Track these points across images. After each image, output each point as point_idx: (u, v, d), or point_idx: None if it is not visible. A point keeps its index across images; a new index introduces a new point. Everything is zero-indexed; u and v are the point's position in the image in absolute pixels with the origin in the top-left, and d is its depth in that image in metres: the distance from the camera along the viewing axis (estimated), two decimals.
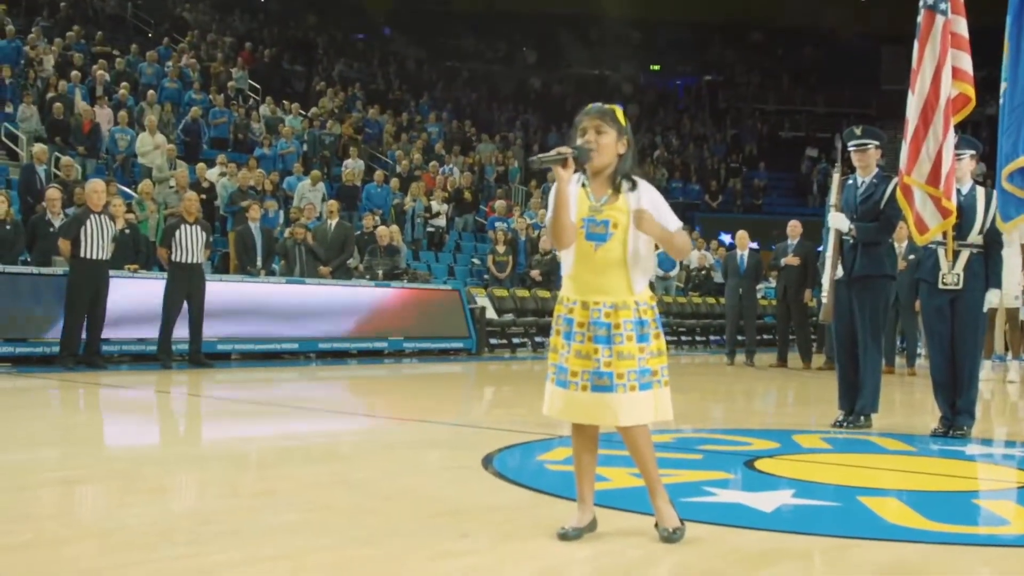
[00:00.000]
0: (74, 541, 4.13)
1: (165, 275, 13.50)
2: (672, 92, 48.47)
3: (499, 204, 25.06)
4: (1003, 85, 8.10)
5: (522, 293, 20.35)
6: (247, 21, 36.10)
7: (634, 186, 4.26)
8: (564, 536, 4.20)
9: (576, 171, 4.22)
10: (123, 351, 13.78)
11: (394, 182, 24.22)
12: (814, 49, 47.52)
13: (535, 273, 20.90)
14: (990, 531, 4.90)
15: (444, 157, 28.59)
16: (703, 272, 24.80)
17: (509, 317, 19.65)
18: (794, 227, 16.64)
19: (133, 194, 17.84)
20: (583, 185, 4.31)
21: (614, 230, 4.22)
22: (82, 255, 12.34)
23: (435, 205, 24.03)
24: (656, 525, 4.28)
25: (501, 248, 21.03)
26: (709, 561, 4.01)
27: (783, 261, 16.48)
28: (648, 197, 4.25)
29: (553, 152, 4.16)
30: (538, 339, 19.87)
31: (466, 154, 30.23)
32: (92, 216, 12.43)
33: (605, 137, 4.24)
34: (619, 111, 4.31)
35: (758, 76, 48.20)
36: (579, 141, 4.27)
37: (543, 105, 42.24)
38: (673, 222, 4.26)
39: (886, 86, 41.36)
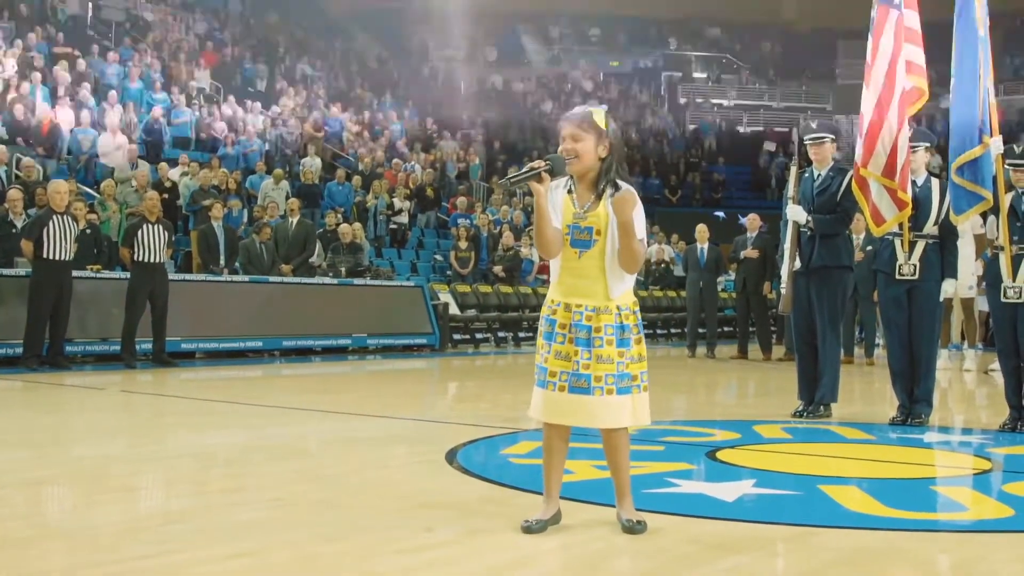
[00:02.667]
0: (40, 541, 4.14)
1: (128, 275, 13.47)
2: (632, 88, 48.55)
3: (461, 200, 25.09)
4: (952, 80, 8.21)
5: (485, 289, 20.40)
6: (208, 21, 35.91)
7: (616, 191, 4.27)
8: (528, 529, 4.24)
9: (555, 179, 4.25)
10: (87, 351, 13.73)
11: (356, 180, 24.20)
12: (771, 44, 47.78)
13: (497, 269, 20.96)
14: (948, 517, 4.98)
15: (406, 154, 28.57)
16: (663, 266, 24.92)
17: (472, 312, 19.70)
18: (753, 220, 16.76)
19: (95, 194, 17.78)
20: (569, 191, 4.33)
21: (597, 237, 4.25)
22: (45, 256, 12.29)
23: (397, 202, 24.02)
24: (618, 516, 4.34)
25: (463, 244, 21.08)
26: (672, 551, 4.06)
27: (742, 254, 16.59)
28: (625, 199, 4.25)
29: (525, 169, 4.19)
30: (501, 334, 19.92)
31: (428, 151, 30.22)
32: (55, 217, 12.38)
33: (582, 144, 4.25)
34: (600, 113, 4.31)
35: (716, 71, 48.41)
36: (560, 148, 4.29)
37: (504, 102, 42.22)
38: (639, 231, 4.25)
39: (842, 80, 41.67)
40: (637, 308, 4.37)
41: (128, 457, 6.55)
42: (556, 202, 4.29)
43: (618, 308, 4.27)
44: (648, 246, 26.09)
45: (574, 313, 4.26)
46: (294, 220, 17.79)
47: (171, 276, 14.13)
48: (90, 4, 31.04)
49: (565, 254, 4.30)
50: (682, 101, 46.91)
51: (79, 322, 13.28)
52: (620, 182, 4.29)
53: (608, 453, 4.39)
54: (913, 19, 8.32)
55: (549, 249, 4.27)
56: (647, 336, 17.07)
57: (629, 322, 4.29)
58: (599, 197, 4.27)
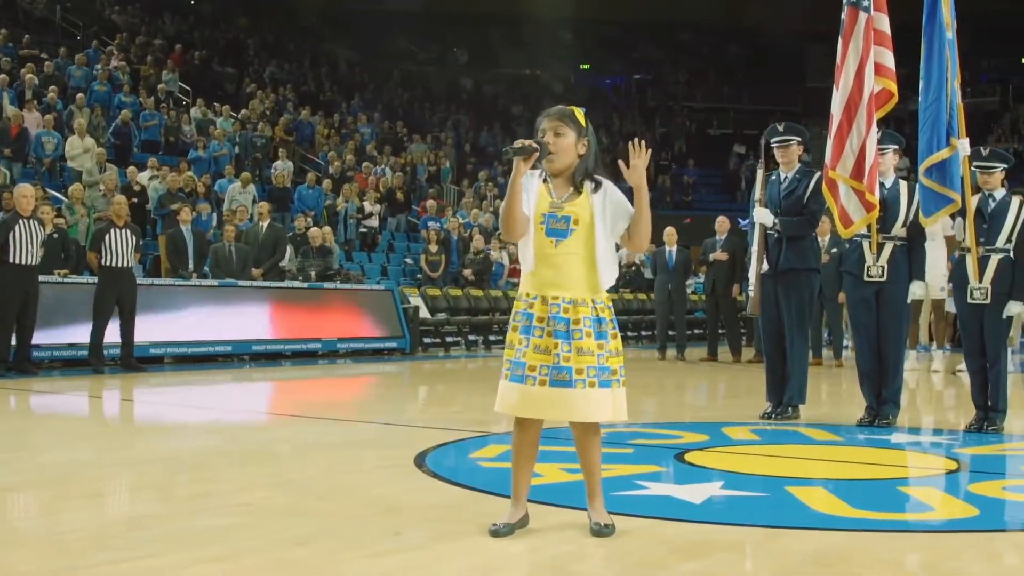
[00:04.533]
0: (8, 548, 4.12)
1: (95, 280, 13.40)
2: (602, 91, 48.70)
3: (431, 204, 25.10)
4: (920, 82, 8.27)
5: (455, 292, 20.39)
6: (177, 23, 35.74)
7: (598, 186, 4.32)
8: (496, 533, 4.24)
9: (535, 166, 4.28)
10: (54, 357, 13.64)
11: (326, 183, 24.16)
12: (740, 47, 47.96)
13: (468, 272, 20.94)
14: (914, 517, 5.01)
15: (376, 158, 28.54)
16: (633, 268, 24.96)
17: (442, 316, 19.68)
18: (722, 223, 16.81)
19: (62, 198, 17.69)
20: (545, 180, 4.35)
21: (575, 226, 4.26)
22: (11, 260, 12.19)
23: (367, 206, 24.00)
24: (589, 518, 4.34)
25: (434, 247, 21.06)
26: (640, 553, 4.07)
27: (711, 256, 16.64)
28: (613, 194, 4.32)
29: (519, 143, 4.21)
30: (471, 337, 19.92)
31: (398, 154, 30.19)
32: (21, 221, 12.29)
33: (563, 139, 4.29)
34: (580, 112, 4.35)
35: (686, 74, 48.57)
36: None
37: (475, 105, 42.27)
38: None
39: (812, 83, 41.81)
40: (610, 303, 4.37)
41: (96, 463, 6.53)
42: (531, 189, 4.31)
43: (593, 301, 4.27)
44: (619, 248, 26.26)
45: (551, 306, 4.24)
46: (264, 224, 17.73)
47: (139, 280, 14.07)
48: (57, 6, 30.87)
49: (539, 243, 4.28)
50: (652, 104, 47.04)
51: (46, 327, 13.19)
52: (600, 178, 4.34)
53: (580, 451, 4.39)
54: (883, 21, 8.38)
55: (515, 229, 4.27)
56: None
57: (605, 315, 4.29)
58: (578, 190, 4.30)
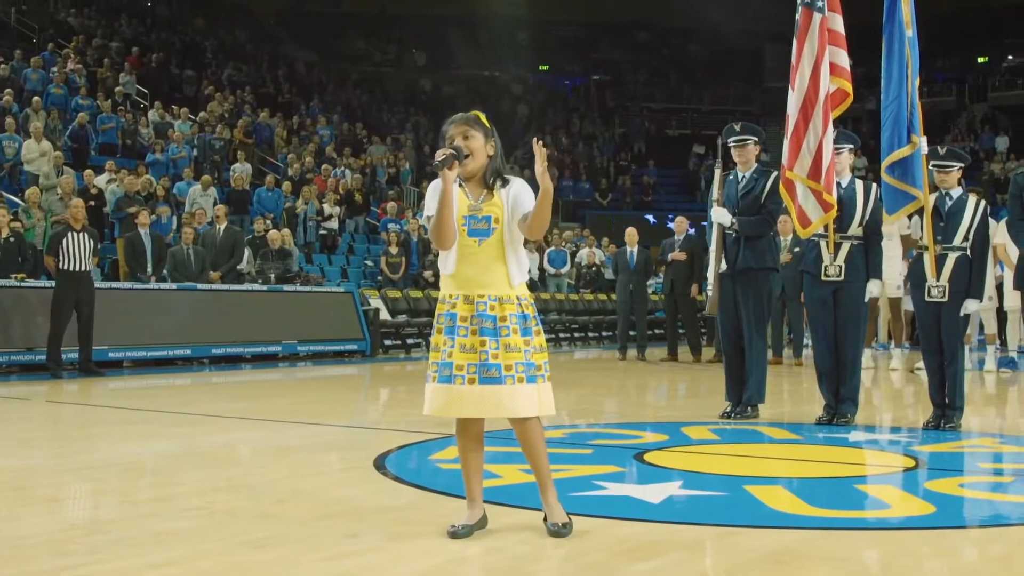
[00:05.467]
0: None
1: (53, 284, 13.31)
2: (561, 92, 48.72)
3: (391, 206, 25.05)
4: (882, 80, 8.33)
5: (415, 294, 20.38)
6: (134, 26, 35.51)
7: (506, 183, 4.39)
8: (454, 534, 4.26)
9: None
10: (12, 361, 13.53)
11: (286, 185, 24.08)
12: (700, 48, 48.09)
13: (428, 274, 20.93)
14: (871, 515, 5.03)
15: (335, 160, 28.47)
16: (594, 269, 25.02)
17: (403, 318, 19.66)
18: (680, 223, 16.86)
19: (19, 202, 17.56)
20: (460, 185, 4.40)
21: (495, 225, 4.33)
22: None
23: (327, 208, 23.94)
24: (545, 520, 4.36)
25: (394, 249, 21.04)
26: (597, 553, 4.08)
27: (669, 256, 16.68)
28: (518, 186, 4.39)
29: (442, 154, 4.25)
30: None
31: (357, 156, 30.13)
32: None
33: (474, 142, 4.36)
34: (482, 116, 4.43)
35: (645, 75, 48.66)
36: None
37: (433, 106, 42.18)
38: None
39: (770, 83, 41.98)
40: (532, 299, 4.45)
41: (53, 468, 6.48)
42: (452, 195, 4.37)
43: (518, 298, 4.33)
44: (579, 249, 26.36)
45: (477, 304, 4.30)
46: (221, 227, 17.65)
47: (98, 284, 13.96)
48: (12, 9, 30.62)
49: (463, 244, 4.34)
50: (611, 104, 47.11)
51: (3, 332, 13.11)
52: (506, 175, 4.42)
53: (524, 446, 4.42)
54: (837, 22, 8.43)
55: (448, 238, 4.31)
56: (578, 339, 17.06)
57: (529, 312, 4.36)
58: (491, 190, 4.37)
